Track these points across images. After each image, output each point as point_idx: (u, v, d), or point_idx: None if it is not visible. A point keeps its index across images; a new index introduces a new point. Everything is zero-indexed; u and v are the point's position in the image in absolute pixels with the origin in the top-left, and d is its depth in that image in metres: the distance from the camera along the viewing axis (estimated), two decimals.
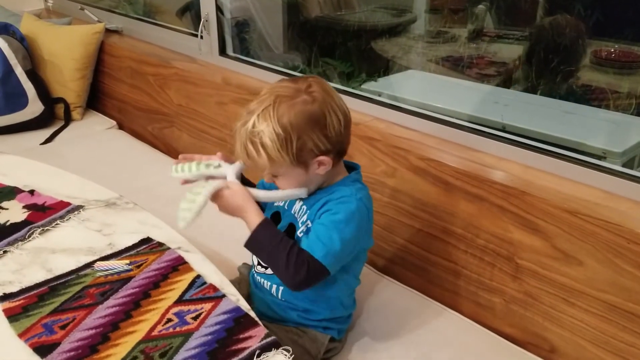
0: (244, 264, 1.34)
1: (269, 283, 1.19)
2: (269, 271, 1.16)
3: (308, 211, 1.13)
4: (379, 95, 1.76)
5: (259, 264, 1.20)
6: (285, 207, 1.18)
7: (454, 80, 2.00)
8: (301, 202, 1.15)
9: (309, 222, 1.12)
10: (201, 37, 2.04)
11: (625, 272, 1.11)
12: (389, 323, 1.31)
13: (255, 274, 1.22)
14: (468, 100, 1.74)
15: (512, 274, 1.27)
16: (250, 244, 1.10)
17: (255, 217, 1.09)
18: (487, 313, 1.33)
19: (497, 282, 1.30)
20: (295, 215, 1.15)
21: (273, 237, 1.08)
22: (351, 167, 1.19)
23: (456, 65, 2.03)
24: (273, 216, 1.21)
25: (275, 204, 1.21)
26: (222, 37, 2.04)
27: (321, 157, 1.07)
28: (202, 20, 2.01)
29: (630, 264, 1.10)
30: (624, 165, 1.35)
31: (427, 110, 1.54)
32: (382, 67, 2.14)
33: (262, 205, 1.20)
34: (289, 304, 1.18)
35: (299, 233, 1.13)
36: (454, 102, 1.66)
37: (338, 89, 1.74)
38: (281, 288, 1.17)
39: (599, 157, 1.37)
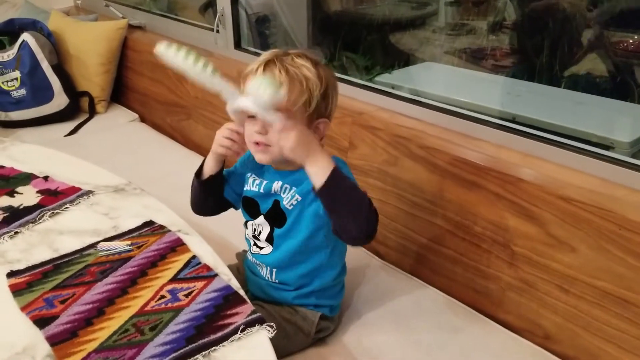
0: (243, 250, 1.39)
1: (263, 265, 1.23)
2: (264, 252, 1.21)
3: (295, 188, 1.15)
4: (392, 88, 1.78)
5: (254, 245, 1.24)
6: (262, 191, 1.19)
7: (468, 72, 2.01)
8: (281, 182, 1.16)
9: (298, 196, 1.14)
10: (217, 31, 2.09)
11: (617, 259, 1.11)
12: (386, 308, 1.34)
13: (251, 256, 1.26)
14: (479, 91, 1.75)
15: (508, 260, 1.28)
16: (331, 185, 1.03)
17: (329, 158, 1.05)
18: (483, 299, 1.35)
19: (494, 269, 1.31)
20: (278, 192, 1.17)
21: (348, 178, 1.06)
22: None
23: (472, 57, 2.03)
24: (246, 201, 1.23)
25: (248, 188, 1.22)
26: (237, 31, 2.08)
27: (324, 120, 1.12)
28: (218, 14, 2.06)
29: (622, 251, 1.10)
30: (632, 156, 1.35)
31: (436, 101, 1.56)
32: (400, 60, 2.15)
33: (234, 190, 1.25)
34: (281, 286, 1.22)
35: (287, 205, 1.15)
36: (464, 92, 1.67)
37: (349, 81, 1.77)
38: (274, 270, 1.21)
39: (607, 147, 1.36)
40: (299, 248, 1.17)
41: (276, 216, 1.17)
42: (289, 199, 1.15)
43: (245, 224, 1.26)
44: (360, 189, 1.06)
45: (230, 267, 1.15)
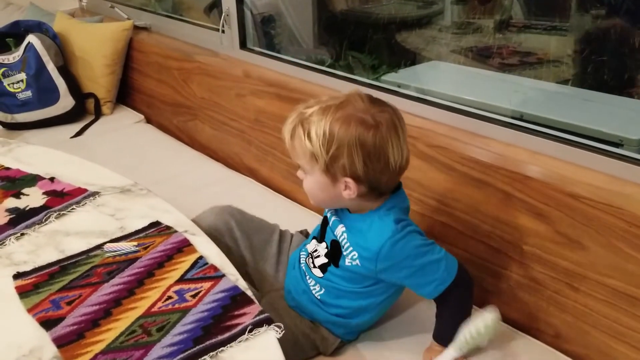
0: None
1: (313, 282, 1.21)
2: (315, 272, 1.20)
3: (350, 241, 1.13)
4: (399, 87, 1.77)
5: (311, 257, 1.22)
6: (330, 225, 1.19)
7: (474, 70, 2.00)
8: (343, 228, 1.15)
9: (359, 262, 1.11)
10: (222, 31, 2.08)
11: (627, 256, 1.10)
12: (394, 307, 1.32)
13: (304, 262, 1.24)
14: (486, 90, 1.74)
15: (517, 259, 1.27)
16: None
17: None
18: (493, 298, 1.33)
19: (503, 267, 1.30)
20: (337, 237, 1.16)
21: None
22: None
23: (479, 56, 2.02)
24: (324, 220, 1.23)
25: (327, 214, 1.22)
26: (243, 31, 2.08)
27: (349, 180, 1.06)
28: (223, 14, 2.06)
29: (632, 248, 1.09)
30: None
31: (443, 100, 1.55)
32: (407, 59, 2.14)
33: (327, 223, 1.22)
34: (320, 304, 1.20)
35: (346, 262, 1.14)
36: (471, 91, 1.66)
37: (355, 80, 1.77)
38: (323, 290, 1.19)
39: (616, 145, 1.35)
40: (349, 289, 1.16)
41: (334, 257, 1.16)
42: (349, 257, 1.13)
43: (311, 238, 1.26)
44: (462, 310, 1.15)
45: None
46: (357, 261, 1.11)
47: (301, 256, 1.26)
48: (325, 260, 1.18)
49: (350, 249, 1.12)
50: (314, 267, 1.20)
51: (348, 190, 1.08)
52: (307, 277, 1.22)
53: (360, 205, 1.13)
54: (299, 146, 1.08)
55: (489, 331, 1.08)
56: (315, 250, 1.21)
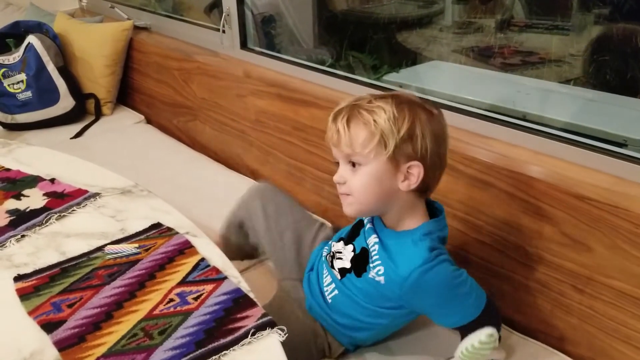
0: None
1: (330, 279, 1.18)
2: (337, 275, 1.17)
3: (379, 254, 1.09)
4: (400, 87, 1.77)
5: (332, 256, 1.19)
6: (365, 229, 1.15)
7: (476, 70, 1.99)
8: (377, 239, 1.10)
9: (382, 278, 1.08)
10: (223, 31, 2.08)
11: (633, 258, 1.09)
12: None
13: (324, 259, 1.22)
14: (488, 90, 1.73)
15: (521, 261, 1.26)
16: None
17: None
18: (497, 301, 1.31)
19: (507, 269, 1.30)
20: (369, 246, 1.12)
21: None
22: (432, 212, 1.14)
23: (481, 56, 2.01)
24: (356, 224, 1.20)
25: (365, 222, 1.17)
26: (243, 31, 2.07)
27: (415, 163, 1.03)
28: (224, 14, 2.05)
29: (639, 249, 1.08)
30: None
31: (445, 100, 1.54)
32: (408, 59, 2.13)
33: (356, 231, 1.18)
34: (328, 309, 1.18)
35: (370, 275, 1.10)
36: (473, 91, 1.65)
37: (356, 80, 1.76)
38: (336, 292, 1.16)
39: (620, 145, 1.34)
40: (363, 303, 1.13)
41: (358, 266, 1.13)
42: (374, 270, 1.09)
43: (338, 239, 1.22)
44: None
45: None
46: (382, 278, 1.07)
47: (323, 251, 1.23)
48: (348, 265, 1.14)
49: (379, 262, 1.08)
50: (333, 267, 1.18)
51: (407, 181, 1.05)
52: (325, 274, 1.19)
53: (403, 209, 1.09)
54: (362, 133, 1.03)
55: (484, 346, 1.07)
56: (340, 252, 1.17)
